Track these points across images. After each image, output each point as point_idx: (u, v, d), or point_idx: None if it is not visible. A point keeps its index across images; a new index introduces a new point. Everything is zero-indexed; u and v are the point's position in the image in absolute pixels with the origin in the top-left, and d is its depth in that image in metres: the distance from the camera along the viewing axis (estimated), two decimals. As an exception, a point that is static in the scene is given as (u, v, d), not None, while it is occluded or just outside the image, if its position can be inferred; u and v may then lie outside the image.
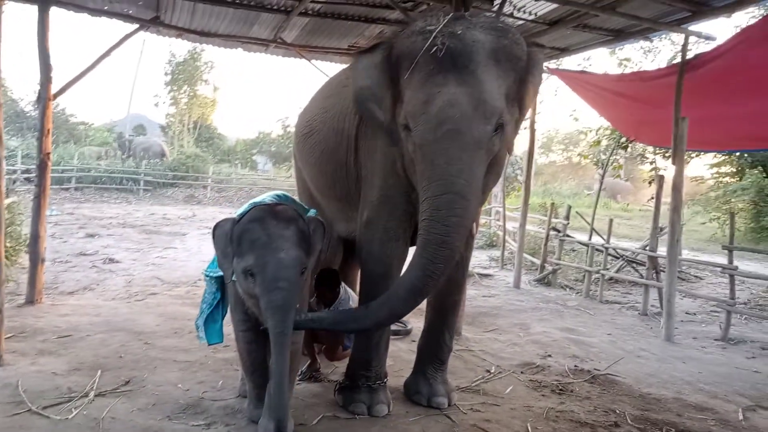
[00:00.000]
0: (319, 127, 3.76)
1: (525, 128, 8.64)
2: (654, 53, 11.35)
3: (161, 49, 69.48)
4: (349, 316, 2.94)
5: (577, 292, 7.39)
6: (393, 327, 3.77)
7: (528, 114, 7.49)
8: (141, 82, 48.17)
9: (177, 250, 8.96)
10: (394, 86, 2.79)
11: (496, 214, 13.00)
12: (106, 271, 6.99)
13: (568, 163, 41.81)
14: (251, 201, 2.92)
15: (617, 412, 3.36)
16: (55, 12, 5.07)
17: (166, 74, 28.65)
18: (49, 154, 5.27)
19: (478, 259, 9.31)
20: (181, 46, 28.93)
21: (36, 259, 5.16)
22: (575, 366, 4.21)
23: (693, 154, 9.09)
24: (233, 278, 2.65)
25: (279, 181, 22.35)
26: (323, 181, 3.82)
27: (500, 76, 2.62)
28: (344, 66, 4.87)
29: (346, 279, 4.27)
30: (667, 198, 7.47)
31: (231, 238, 2.60)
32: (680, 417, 3.34)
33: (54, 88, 5.20)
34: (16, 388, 3.16)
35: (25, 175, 15.94)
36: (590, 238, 7.98)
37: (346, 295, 3.55)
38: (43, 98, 5.22)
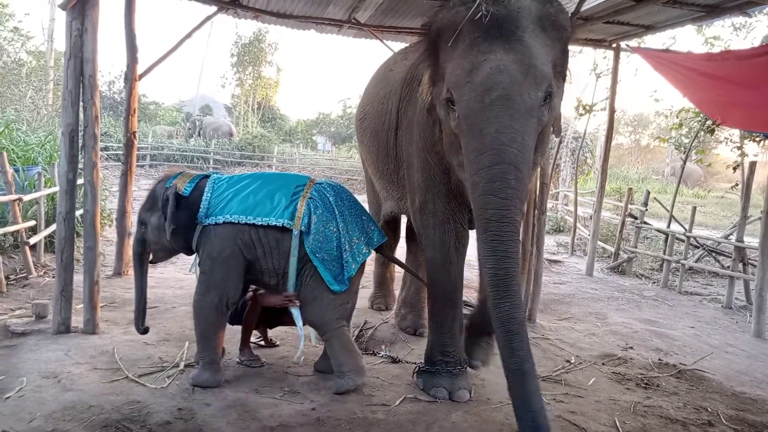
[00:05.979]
0: (371, 110, 3.94)
1: (602, 109, 8.27)
2: (746, 30, 10.39)
3: (228, 30, 71.02)
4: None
5: (654, 282, 7.08)
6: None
7: (607, 94, 7.26)
8: (208, 63, 49.75)
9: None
10: (434, 63, 2.69)
11: (564, 198, 12.63)
12: (184, 245, 7.25)
13: (635, 146, 40.07)
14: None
15: (709, 410, 3.19)
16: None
17: (232, 56, 29.26)
18: (135, 132, 5.50)
19: (545, 245, 9.02)
20: (247, 28, 29.41)
21: (123, 233, 5.43)
22: (659, 359, 4.04)
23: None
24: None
25: (340, 162, 22.55)
26: (372, 160, 3.96)
27: (546, 44, 2.48)
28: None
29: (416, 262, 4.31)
30: (756, 185, 7.02)
31: None
32: (782, 420, 3.14)
33: (139, 70, 5.40)
34: (113, 355, 3.34)
35: (106, 153, 16.77)
36: (669, 226, 7.60)
37: None
38: (130, 79, 5.43)
